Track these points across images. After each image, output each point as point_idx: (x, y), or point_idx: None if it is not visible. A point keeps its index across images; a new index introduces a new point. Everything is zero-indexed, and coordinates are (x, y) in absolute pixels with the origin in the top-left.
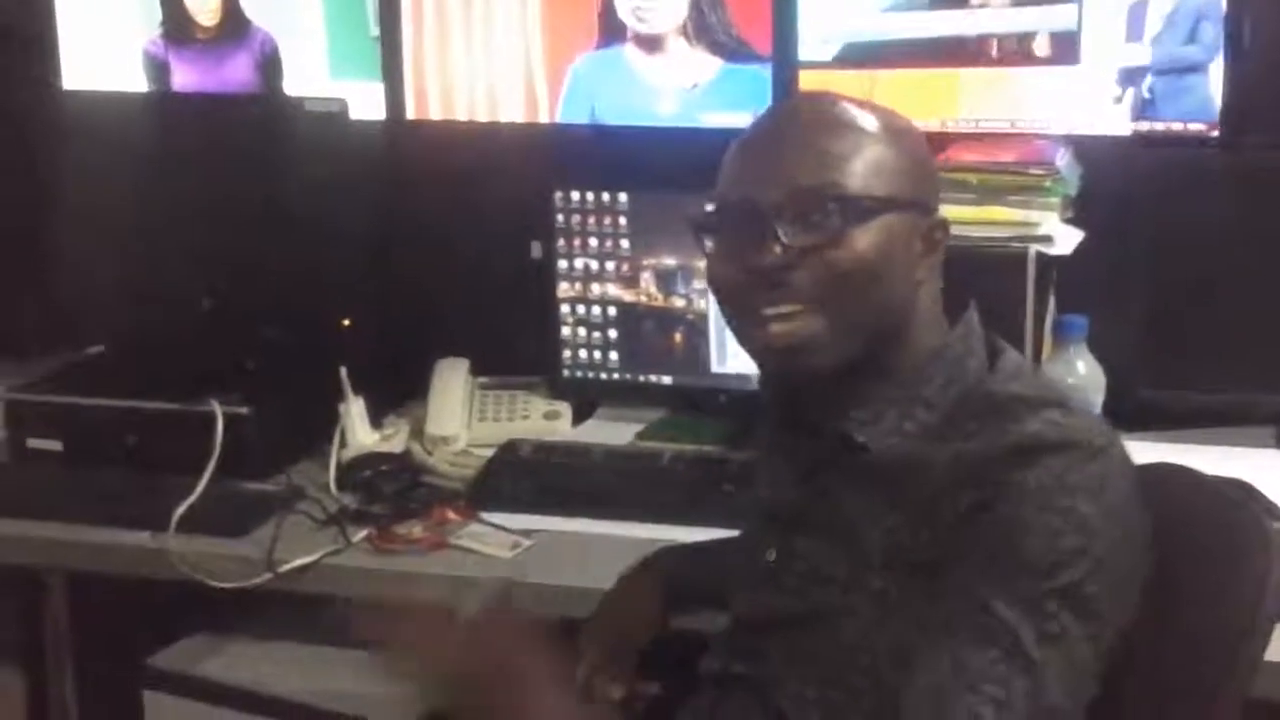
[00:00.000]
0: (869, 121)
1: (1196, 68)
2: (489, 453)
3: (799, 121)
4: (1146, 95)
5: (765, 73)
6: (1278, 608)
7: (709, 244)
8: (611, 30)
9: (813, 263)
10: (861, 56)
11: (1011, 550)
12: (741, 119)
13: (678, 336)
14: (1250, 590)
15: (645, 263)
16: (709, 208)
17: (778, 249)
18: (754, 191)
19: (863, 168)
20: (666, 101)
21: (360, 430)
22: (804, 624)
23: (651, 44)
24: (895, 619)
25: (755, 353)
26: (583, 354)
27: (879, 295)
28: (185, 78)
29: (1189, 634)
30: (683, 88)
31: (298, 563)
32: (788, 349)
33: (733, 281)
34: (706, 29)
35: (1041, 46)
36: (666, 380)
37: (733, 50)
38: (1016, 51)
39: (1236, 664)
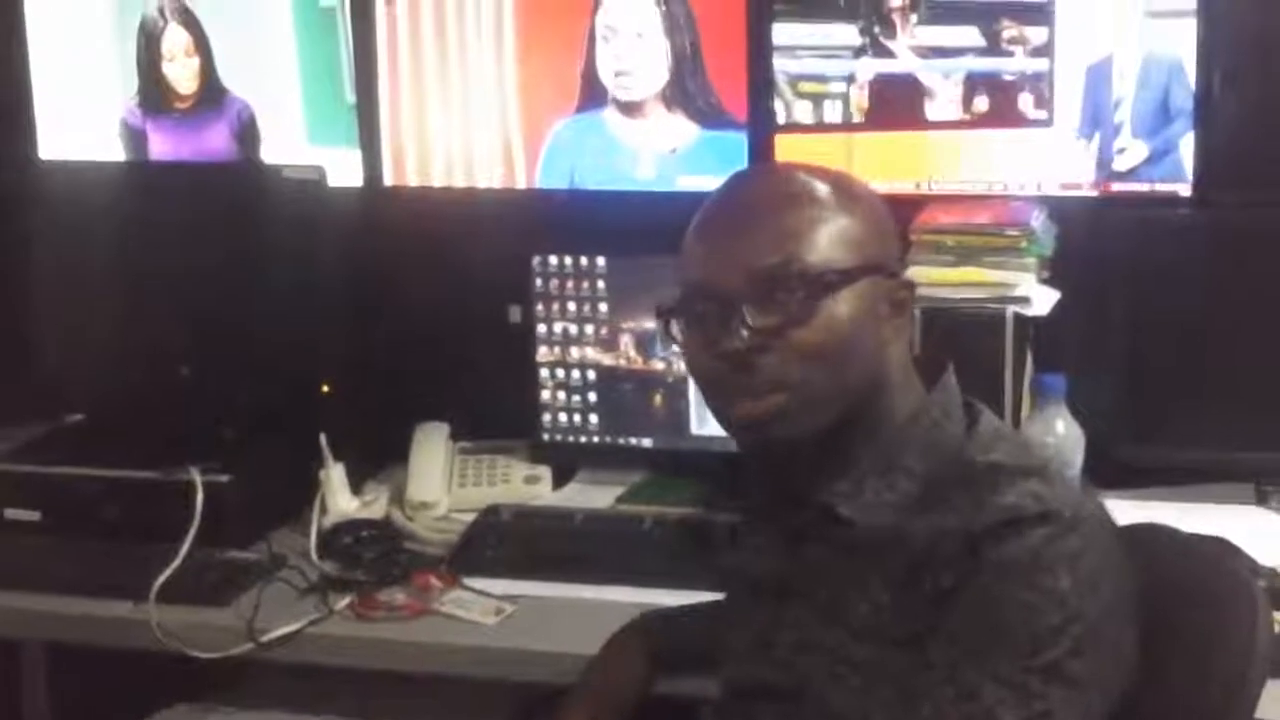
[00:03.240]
0: (823, 191)
1: (1169, 127)
2: (470, 518)
3: (754, 199)
4: (1118, 155)
5: (743, 138)
6: (1266, 665)
7: (680, 331)
8: (593, 94)
9: (780, 344)
10: None
11: (992, 630)
12: (718, 183)
13: (657, 399)
14: (1238, 648)
15: (624, 326)
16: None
17: (744, 333)
18: (715, 275)
19: (822, 240)
20: (645, 165)
21: (341, 497)
22: (793, 695)
23: (631, 109)
24: (883, 689)
25: (730, 430)
26: (562, 417)
27: (849, 365)
28: (163, 146)
29: (1179, 693)
30: (661, 152)
31: (280, 631)
32: (760, 423)
33: (707, 368)
34: (686, 96)
35: (1011, 107)
36: (647, 443)
37: (711, 117)
38: (989, 112)
39: None
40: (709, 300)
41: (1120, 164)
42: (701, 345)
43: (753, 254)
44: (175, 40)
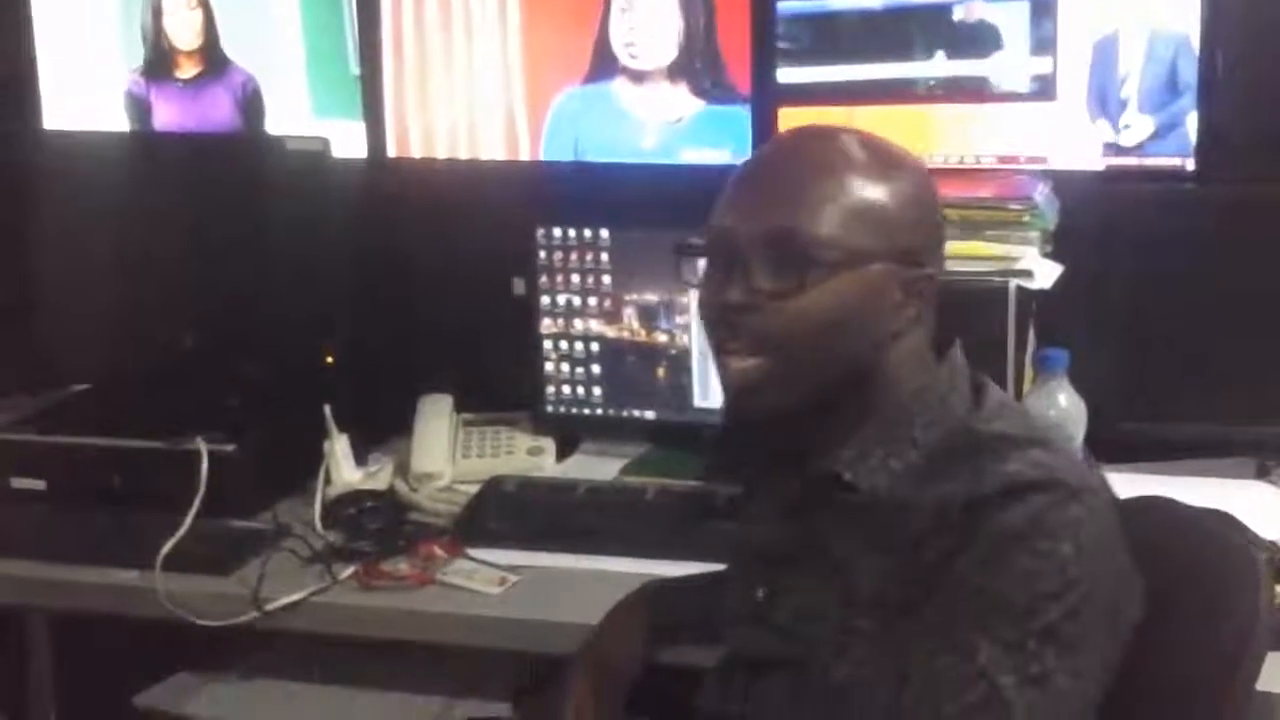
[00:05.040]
0: (859, 165)
1: (1175, 103)
2: (474, 489)
3: (788, 160)
4: (1124, 129)
5: (745, 112)
6: (1267, 636)
7: (696, 266)
8: (603, 64)
9: (775, 308)
10: None
11: (991, 592)
12: (720, 156)
13: (660, 371)
14: (1240, 620)
15: (627, 298)
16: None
17: (743, 289)
18: (733, 224)
19: (838, 217)
20: (650, 135)
21: (345, 467)
22: (796, 662)
23: (639, 78)
24: (887, 659)
25: (720, 382)
26: (566, 389)
27: (840, 348)
28: (167, 116)
29: (1181, 666)
30: (667, 121)
31: (284, 600)
32: (739, 388)
33: (704, 314)
34: (693, 71)
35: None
36: (649, 415)
37: (715, 93)
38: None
39: (1229, 694)
40: (722, 247)
41: (1125, 139)
42: (708, 289)
43: (768, 216)
44: None
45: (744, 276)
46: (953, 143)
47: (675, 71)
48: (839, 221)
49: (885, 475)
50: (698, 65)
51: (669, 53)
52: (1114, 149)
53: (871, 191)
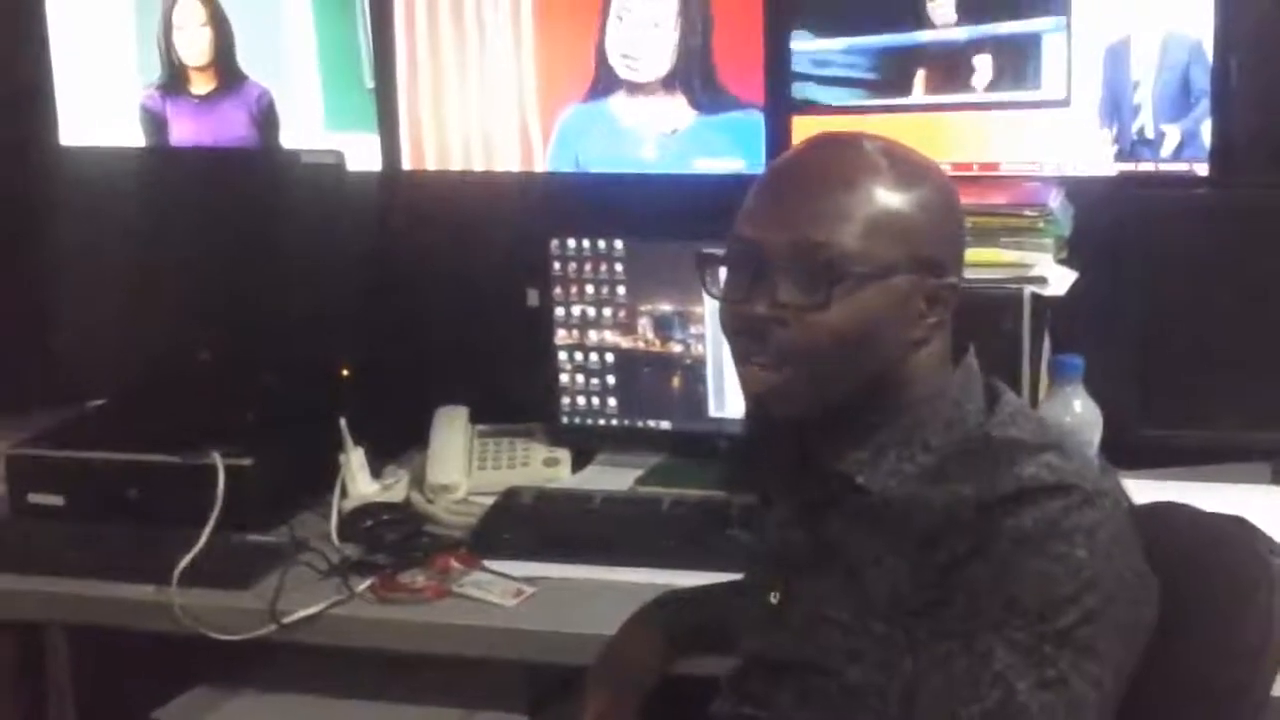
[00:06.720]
0: (886, 175)
1: (1188, 108)
2: (489, 501)
3: (816, 169)
4: (1137, 136)
5: (747, 118)
6: None
7: (719, 276)
8: (602, 77)
9: (800, 321)
10: None
11: (1007, 596)
12: (734, 165)
13: (676, 381)
14: (1255, 626)
15: (642, 309)
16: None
17: (768, 303)
18: (758, 236)
19: (867, 228)
20: (647, 148)
21: (361, 480)
22: (811, 666)
23: (636, 89)
24: (903, 663)
25: (741, 389)
26: (581, 400)
27: (864, 358)
28: (182, 131)
29: (1197, 671)
30: (662, 133)
31: (301, 614)
32: (763, 394)
33: (728, 322)
34: (689, 82)
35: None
36: (665, 425)
37: (710, 104)
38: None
39: (1246, 699)
40: (746, 258)
41: (1138, 145)
42: (731, 299)
43: (793, 228)
44: (187, 10)
45: (769, 289)
46: (966, 149)
47: (671, 83)
48: (866, 234)
49: (898, 478)
50: (694, 76)
51: (664, 64)
52: (1127, 155)
53: (897, 203)
